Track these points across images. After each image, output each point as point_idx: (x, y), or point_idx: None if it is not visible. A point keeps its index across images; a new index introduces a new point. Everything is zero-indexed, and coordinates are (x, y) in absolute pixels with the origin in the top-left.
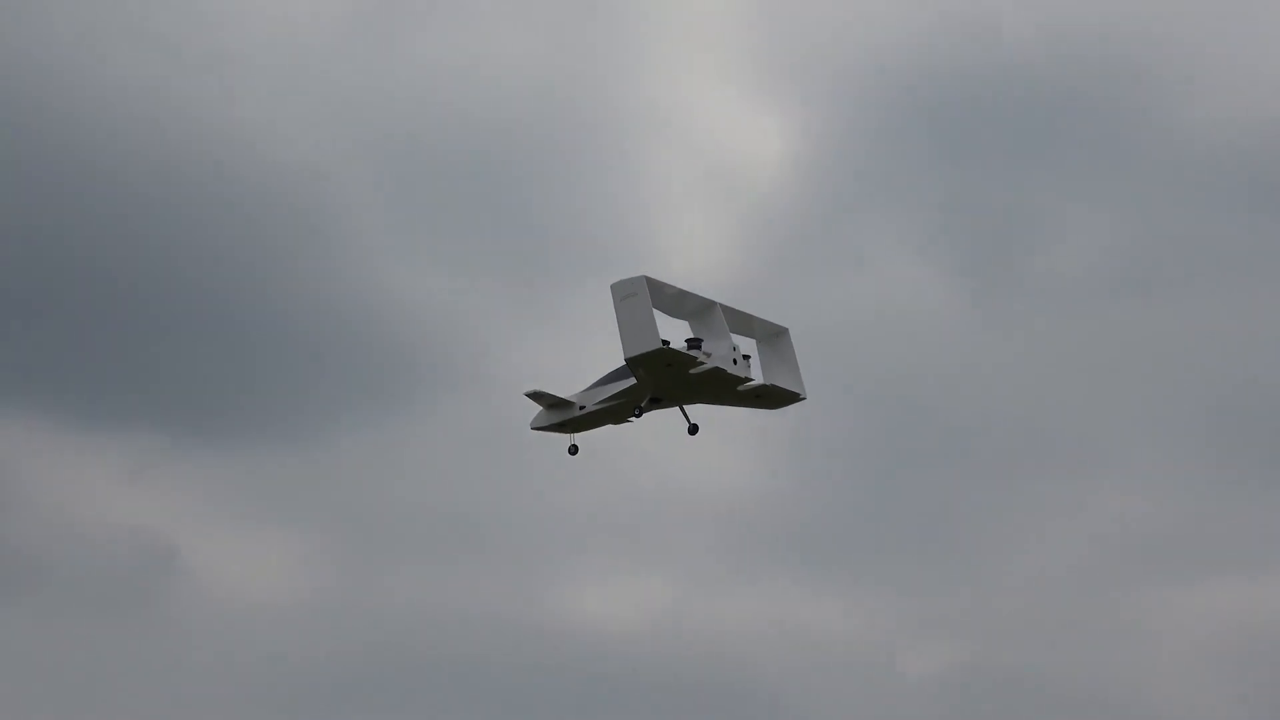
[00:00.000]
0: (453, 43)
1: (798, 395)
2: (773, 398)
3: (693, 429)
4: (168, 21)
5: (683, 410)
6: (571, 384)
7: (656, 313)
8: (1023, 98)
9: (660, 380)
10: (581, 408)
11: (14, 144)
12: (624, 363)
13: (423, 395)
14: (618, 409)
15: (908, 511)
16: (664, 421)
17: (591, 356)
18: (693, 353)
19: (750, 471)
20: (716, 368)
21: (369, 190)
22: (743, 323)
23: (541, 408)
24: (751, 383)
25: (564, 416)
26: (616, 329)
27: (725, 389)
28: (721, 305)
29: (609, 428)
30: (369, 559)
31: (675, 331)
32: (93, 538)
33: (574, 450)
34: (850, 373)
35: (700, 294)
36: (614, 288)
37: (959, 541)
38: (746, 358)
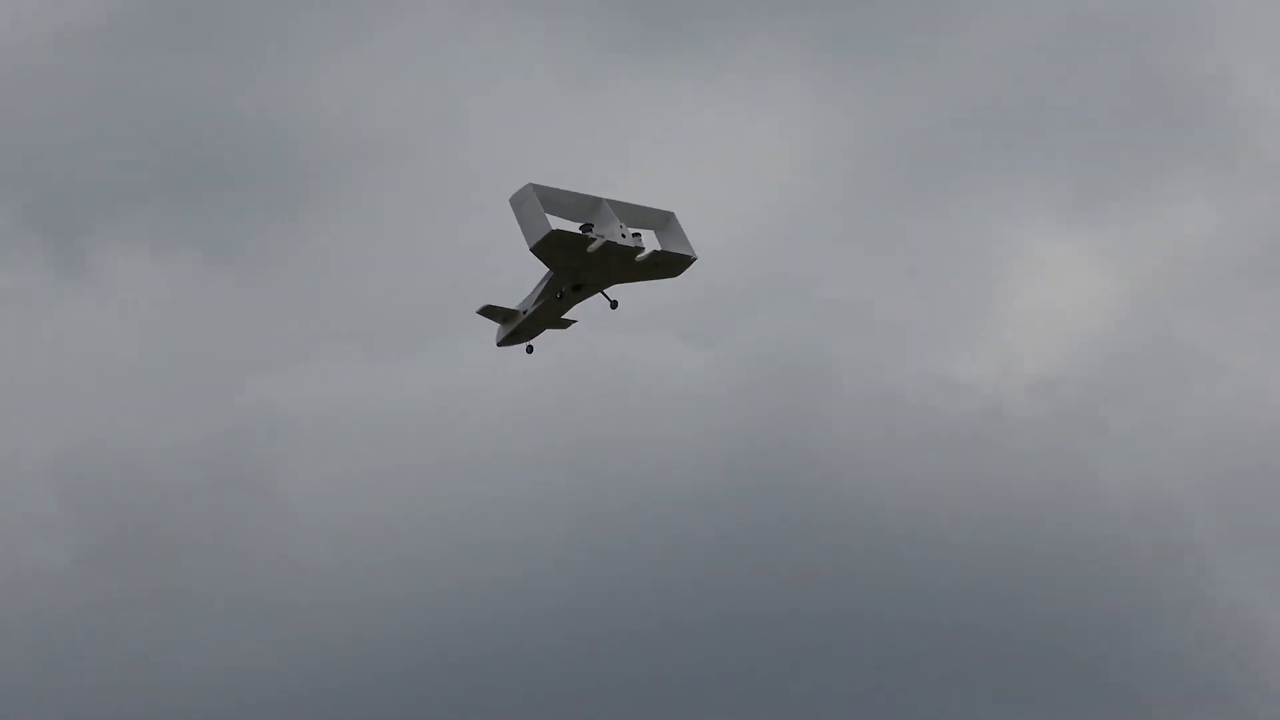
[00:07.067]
0: None
1: (689, 257)
2: (669, 264)
3: (613, 305)
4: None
5: (604, 294)
6: None
7: (556, 218)
8: None
9: (569, 265)
10: (524, 312)
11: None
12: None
13: None
14: (550, 304)
15: None
16: None
17: None
18: (583, 233)
19: None
20: (608, 241)
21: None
22: (633, 214)
23: (499, 324)
24: (644, 252)
25: (515, 324)
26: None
27: (626, 262)
28: (608, 200)
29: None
30: None
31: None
32: None
33: (530, 350)
34: None
35: (585, 192)
36: (510, 201)
37: None
38: (637, 234)
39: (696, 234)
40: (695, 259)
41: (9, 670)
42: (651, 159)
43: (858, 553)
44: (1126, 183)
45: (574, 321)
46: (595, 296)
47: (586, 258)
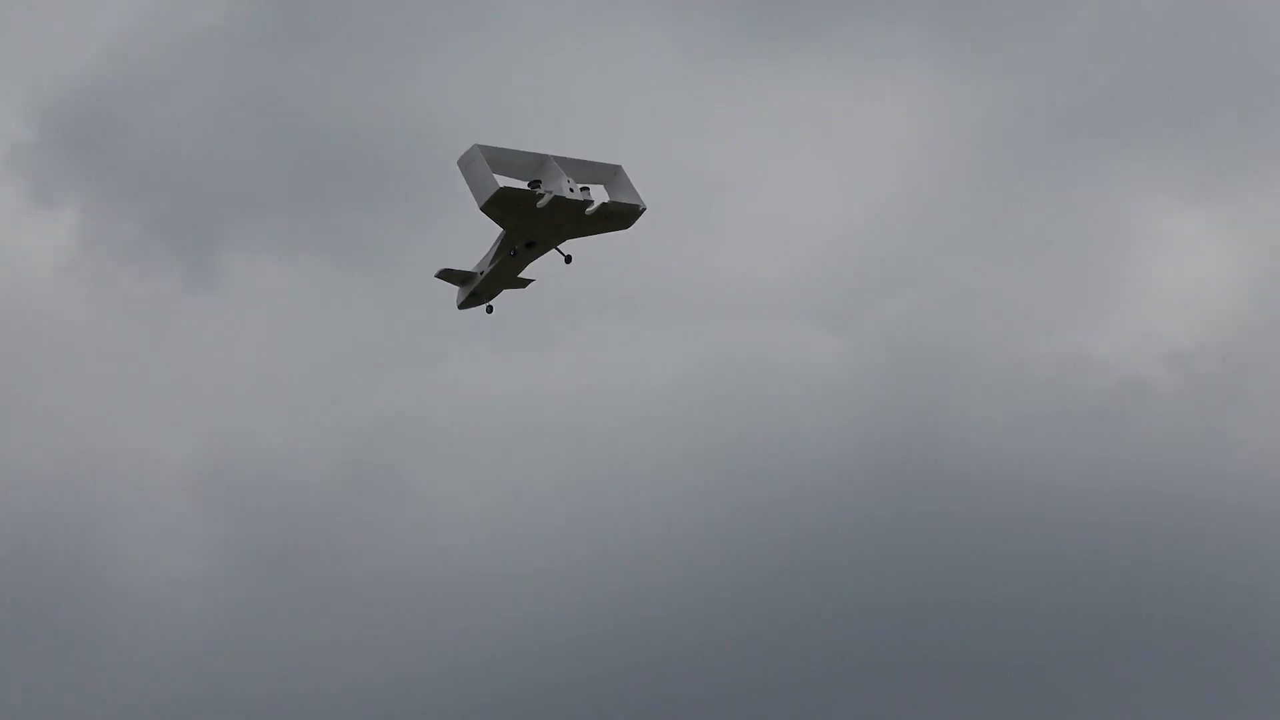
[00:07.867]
0: None
1: (637, 207)
2: (618, 216)
3: (567, 259)
4: None
5: (558, 250)
6: None
7: (504, 178)
8: None
9: (521, 222)
10: (481, 273)
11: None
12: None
13: None
14: (505, 263)
15: None
16: None
17: None
18: (531, 189)
19: None
20: (556, 197)
21: None
22: (582, 170)
23: (457, 287)
24: (593, 205)
25: (473, 286)
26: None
27: (576, 217)
28: (555, 157)
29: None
30: None
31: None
32: None
33: (490, 310)
34: None
35: (532, 150)
36: (458, 162)
37: None
38: (585, 189)
39: (823, 219)
40: (644, 209)
41: (153, 675)
42: (778, 145)
43: (1004, 534)
44: (1250, 157)
45: (532, 280)
46: (550, 253)
47: (536, 214)
